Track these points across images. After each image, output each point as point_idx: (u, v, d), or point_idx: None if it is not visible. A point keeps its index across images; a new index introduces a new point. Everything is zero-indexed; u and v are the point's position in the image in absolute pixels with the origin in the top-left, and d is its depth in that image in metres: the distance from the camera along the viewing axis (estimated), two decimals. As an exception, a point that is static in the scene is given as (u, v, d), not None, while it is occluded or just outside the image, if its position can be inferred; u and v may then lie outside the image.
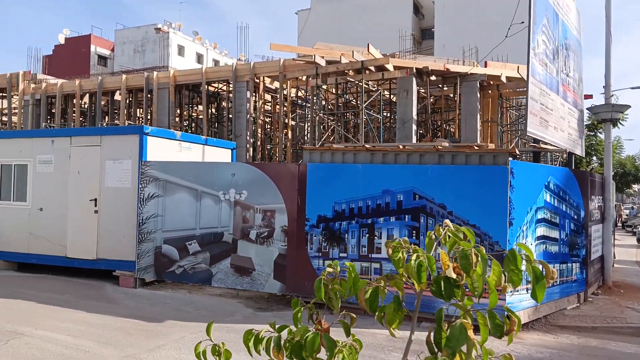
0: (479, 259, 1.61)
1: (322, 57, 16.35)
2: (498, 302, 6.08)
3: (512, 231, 7.54)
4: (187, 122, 22.63)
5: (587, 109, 12.04)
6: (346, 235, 8.30)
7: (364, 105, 15.17)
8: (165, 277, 9.64)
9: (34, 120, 24.55)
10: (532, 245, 8.03)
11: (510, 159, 7.63)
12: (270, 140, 21.86)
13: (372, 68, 15.82)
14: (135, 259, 9.78)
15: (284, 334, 1.88)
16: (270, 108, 22.38)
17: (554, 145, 9.99)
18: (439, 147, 7.62)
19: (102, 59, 53.29)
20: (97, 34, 53.80)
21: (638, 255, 18.69)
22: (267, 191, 8.91)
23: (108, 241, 10.31)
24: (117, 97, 23.73)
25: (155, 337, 6.76)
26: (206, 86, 20.36)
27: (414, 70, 15.94)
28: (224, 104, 22.71)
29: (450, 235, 1.72)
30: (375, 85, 17.00)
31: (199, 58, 51.84)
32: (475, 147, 7.63)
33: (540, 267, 1.65)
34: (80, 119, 24.22)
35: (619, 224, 34.75)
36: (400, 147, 7.98)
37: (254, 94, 19.45)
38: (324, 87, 17.27)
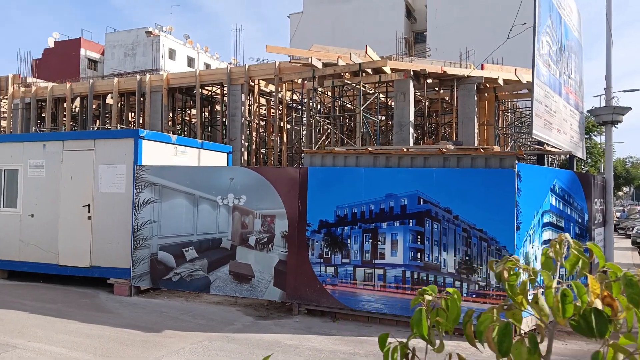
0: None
1: (319, 59, 16.17)
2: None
3: (520, 235, 7.37)
4: (180, 126, 22.34)
5: (587, 111, 11.95)
6: (349, 240, 8.10)
7: (362, 108, 14.99)
8: (162, 285, 9.38)
9: (24, 124, 24.13)
10: (539, 249, 7.87)
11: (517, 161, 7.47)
12: (265, 144, 21.62)
13: (369, 70, 15.65)
14: (130, 266, 9.50)
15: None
16: (265, 111, 22.15)
17: (557, 148, 9.86)
18: (444, 149, 7.43)
19: (93, 63, 52.82)
20: (87, 38, 53.34)
21: (634, 258, 18.65)
22: (266, 196, 8.69)
23: (102, 248, 10.02)
24: (109, 100, 23.39)
25: (153, 348, 6.50)
26: (200, 89, 20.10)
27: (411, 73, 15.80)
28: (217, 107, 22.44)
29: (575, 251, 1.43)
30: (372, 88, 16.84)
31: (190, 62, 51.55)
32: (481, 150, 7.45)
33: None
34: (71, 123, 23.84)
35: (611, 227, 34.73)
36: (404, 150, 7.79)
37: (248, 97, 19.21)
38: (320, 90, 17.07)
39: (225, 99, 19.94)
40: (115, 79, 22.45)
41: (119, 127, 19.10)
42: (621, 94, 22.35)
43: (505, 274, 1.48)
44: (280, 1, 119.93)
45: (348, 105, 19.58)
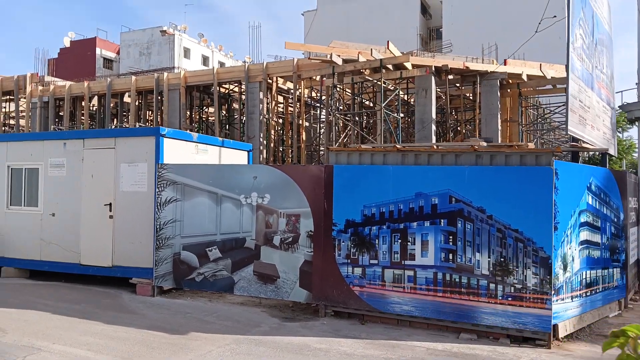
0: None
1: (339, 56, 15.93)
2: (543, 312, 5.54)
3: (557, 236, 7.10)
4: (197, 124, 22.24)
5: (618, 106, 11.59)
6: (377, 241, 7.86)
7: (383, 105, 14.73)
8: (185, 285, 9.22)
9: (42, 123, 24.22)
10: (576, 250, 7.58)
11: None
12: (282, 142, 21.45)
13: (390, 67, 15.38)
14: (152, 266, 9.36)
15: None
16: (282, 109, 21.98)
17: (591, 145, 9.55)
18: (476, 146, 7.17)
19: (108, 62, 53.11)
20: (102, 37, 53.63)
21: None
22: (291, 195, 8.48)
23: (124, 247, 9.90)
24: (127, 99, 23.37)
25: (180, 351, 6.34)
26: (217, 87, 19.96)
27: (433, 68, 15.50)
28: (235, 105, 22.32)
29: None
30: (393, 85, 16.56)
31: (205, 60, 51.62)
32: (516, 147, 7.18)
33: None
34: (89, 121, 23.87)
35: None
36: (434, 147, 7.54)
37: (266, 95, 19.03)
38: (339, 87, 16.84)
39: (243, 97, 19.80)
40: (133, 78, 22.43)
41: (137, 126, 19.04)
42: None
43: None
44: (293, 0, 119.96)
45: (367, 102, 19.32)
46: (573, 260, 7.54)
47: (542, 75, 17.22)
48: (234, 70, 20.23)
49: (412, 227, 7.64)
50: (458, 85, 17.90)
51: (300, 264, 8.36)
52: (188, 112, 21.36)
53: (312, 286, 8.24)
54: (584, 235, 7.82)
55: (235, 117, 21.96)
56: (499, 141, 15.61)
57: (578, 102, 8.37)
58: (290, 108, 20.84)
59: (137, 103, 22.74)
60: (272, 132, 19.60)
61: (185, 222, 9.19)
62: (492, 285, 7.22)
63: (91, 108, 24.79)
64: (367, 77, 15.88)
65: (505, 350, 6.72)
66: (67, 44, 53.29)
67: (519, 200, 7.11)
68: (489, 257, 7.24)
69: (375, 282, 7.84)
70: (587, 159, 19.06)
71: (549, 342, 6.90)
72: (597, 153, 12.07)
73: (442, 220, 7.47)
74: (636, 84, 10.56)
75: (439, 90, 16.64)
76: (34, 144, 11.12)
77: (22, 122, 25.36)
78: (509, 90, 17.83)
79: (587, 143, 9.22)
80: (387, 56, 15.74)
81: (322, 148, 20.50)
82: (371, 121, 18.73)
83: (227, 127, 22.03)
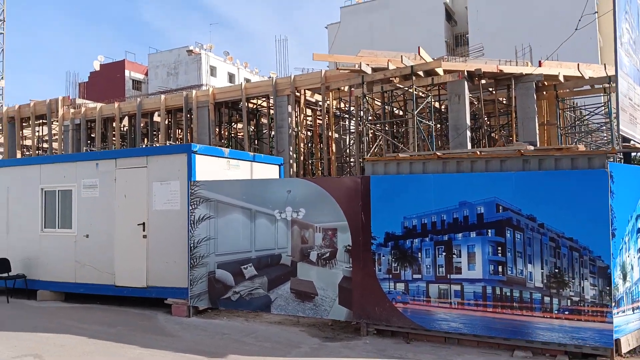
0: None
1: (368, 65, 15.66)
2: (604, 326, 5.05)
3: (615, 243, 6.60)
4: (226, 140, 22.22)
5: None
6: (419, 254, 7.48)
7: (416, 112, 14.36)
8: (221, 305, 8.97)
9: (74, 145, 24.57)
10: (635, 258, 7.06)
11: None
12: (312, 155, 21.22)
13: (421, 73, 15.02)
14: (187, 285, 9.16)
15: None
16: (311, 122, 21.77)
17: (643, 145, 9.01)
18: (523, 150, 6.76)
19: (137, 83, 54.09)
20: (130, 59, 54.69)
21: None
22: (326, 208, 8.18)
23: (158, 267, 9.74)
24: (156, 118, 23.54)
25: (219, 376, 6.06)
26: (246, 102, 19.90)
27: (465, 73, 15.08)
28: (263, 120, 22.24)
29: None
30: (424, 92, 16.18)
31: (231, 78, 52.09)
32: (566, 150, 6.74)
33: None
34: (121, 142, 24.12)
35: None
36: (478, 153, 7.15)
37: (295, 108, 18.87)
38: (368, 96, 16.54)
39: (271, 111, 19.69)
40: (162, 97, 22.59)
41: (167, 144, 19.10)
42: None
43: None
44: (315, 14, 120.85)
45: (396, 111, 18.96)
46: (632, 268, 7.02)
47: (580, 75, 16.61)
48: (261, 85, 20.17)
49: (457, 239, 7.24)
50: (491, 89, 17.41)
51: (339, 280, 8.03)
52: (217, 129, 21.36)
53: (352, 303, 7.89)
54: (643, 241, 7.28)
55: (264, 131, 21.87)
56: (538, 145, 15.05)
57: (628, 100, 7.89)
58: (318, 120, 20.63)
59: (166, 122, 22.88)
60: (302, 145, 19.39)
61: (220, 240, 8.97)
62: (546, 299, 6.76)
63: (122, 128, 25.07)
64: (397, 85, 15.54)
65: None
66: (97, 67, 54.54)
67: (572, 207, 6.66)
68: (542, 269, 6.79)
69: (419, 298, 7.45)
70: (637, 160, 18.26)
71: (612, 358, 6.39)
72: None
73: (489, 231, 7.06)
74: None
75: (471, 95, 16.19)
76: (66, 166, 11.13)
77: (55, 144, 25.80)
78: (544, 92, 17.26)
79: (639, 143, 8.69)
80: (417, 62, 15.40)
81: (352, 159, 20.19)
82: (402, 130, 18.35)
83: (256, 142, 21.94)
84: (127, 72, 53.22)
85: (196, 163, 9.53)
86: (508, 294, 6.93)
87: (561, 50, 19.16)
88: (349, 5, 48.34)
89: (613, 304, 6.51)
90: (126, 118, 24.71)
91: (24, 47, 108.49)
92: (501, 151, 7.31)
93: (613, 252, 6.54)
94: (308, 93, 19.43)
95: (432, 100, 16.33)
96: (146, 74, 53.90)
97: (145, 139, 24.66)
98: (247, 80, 51.59)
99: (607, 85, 16.38)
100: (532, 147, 7.30)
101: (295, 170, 18.56)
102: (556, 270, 6.72)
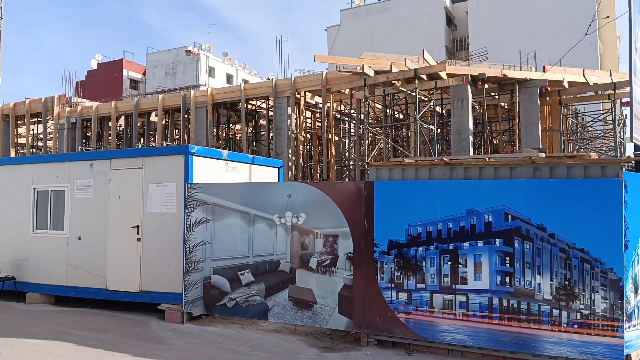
0: None
1: (370, 67, 15.40)
2: (614, 340, 4.77)
3: (628, 255, 6.36)
4: (224, 141, 21.93)
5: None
6: (423, 263, 7.21)
7: (419, 116, 14.09)
8: (216, 311, 8.68)
9: (70, 144, 24.25)
10: (647, 271, 6.80)
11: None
12: (310, 158, 20.95)
13: (424, 77, 14.77)
14: (182, 291, 8.87)
15: None
16: (310, 124, 21.50)
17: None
18: (534, 158, 6.51)
19: (135, 83, 53.78)
20: (128, 59, 54.37)
21: None
22: (328, 214, 7.91)
23: (152, 272, 9.44)
24: (153, 118, 23.24)
25: (214, 389, 5.77)
26: (245, 104, 19.62)
27: (469, 77, 14.84)
28: (262, 121, 21.97)
29: None
30: (427, 96, 15.94)
31: (229, 78, 51.85)
32: (578, 158, 6.50)
33: None
34: (117, 141, 23.80)
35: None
36: (486, 159, 6.89)
37: (294, 110, 18.59)
38: (370, 99, 16.27)
39: (270, 113, 19.42)
40: (160, 96, 22.30)
41: (164, 145, 18.81)
42: None
43: None
44: (314, 17, 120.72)
45: (397, 114, 18.71)
46: (645, 282, 6.77)
47: (585, 81, 16.42)
48: (261, 86, 19.88)
49: (463, 248, 6.98)
50: (494, 94, 17.17)
51: (339, 288, 7.75)
52: (215, 130, 21.07)
53: (353, 313, 7.61)
54: (656, 254, 7.03)
55: (263, 133, 21.59)
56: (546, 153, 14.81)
57: (640, 108, 7.64)
58: (318, 123, 20.36)
59: (164, 122, 22.57)
60: (301, 147, 19.11)
61: (216, 245, 8.69)
62: (555, 312, 6.50)
63: (118, 128, 24.76)
64: (400, 88, 15.28)
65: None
66: (95, 66, 54.18)
67: (584, 217, 6.41)
68: (551, 280, 6.53)
69: (422, 308, 7.18)
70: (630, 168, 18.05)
71: (623, 375, 6.13)
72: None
73: (497, 240, 6.80)
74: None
75: (473, 100, 15.95)
76: (60, 166, 10.82)
77: (49, 143, 25.45)
78: (547, 98, 17.04)
79: (651, 152, 8.48)
80: (421, 66, 15.14)
81: (351, 163, 19.93)
82: (403, 134, 18.10)
83: (255, 144, 21.66)
84: (124, 72, 52.91)
85: (194, 165, 9.24)
86: (515, 305, 6.67)
87: (561, 56, 18.99)
88: (349, 8, 48.14)
89: (624, 318, 6.27)
90: (123, 117, 24.41)
91: (21, 46, 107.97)
92: (511, 158, 7.06)
93: (625, 265, 6.30)
94: (308, 95, 19.17)
95: (435, 104, 16.08)
96: (144, 74, 53.59)
97: (142, 139, 24.36)
98: (246, 82, 51.37)
99: (611, 91, 16.20)
100: (543, 154, 7.06)
101: (293, 173, 18.28)
102: (566, 282, 6.47)
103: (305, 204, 8.10)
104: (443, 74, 14.77)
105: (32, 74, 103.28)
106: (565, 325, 6.44)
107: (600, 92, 17.23)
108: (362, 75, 15.33)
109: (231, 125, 22.72)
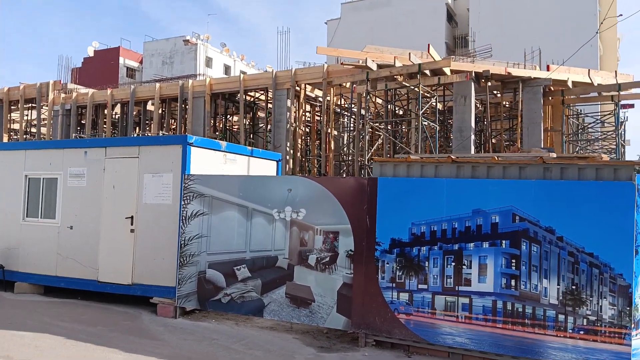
0: None
1: (373, 61, 15.12)
2: (621, 348, 4.55)
3: (638, 261, 6.16)
4: (221, 132, 21.62)
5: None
6: (426, 263, 7.00)
7: (421, 112, 13.84)
8: (210, 307, 8.44)
9: (64, 131, 23.87)
10: (657, 277, 6.61)
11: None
12: (308, 152, 20.68)
13: (428, 72, 14.52)
14: (175, 285, 8.63)
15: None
16: (310, 118, 21.23)
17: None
18: (545, 158, 6.29)
19: (131, 71, 53.23)
20: (126, 47, 53.78)
21: None
22: (329, 209, 7.68)
23: (145, 264, 9.19)
24: (150, 107, 22.90)
25: (208, 390, 5.54)
26: (244, 95, 19.30)
27: (473, 74, 14.60)
28: (260, 113, 21.67)
29: None
30: (429, 92, 15.69)
31: (227, 69, 51.43)
32: (591, 159, 6.29)
33: None
34: (112, 129, 23.44)
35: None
36: (495, 158, 6.67)
37: (294, 103, 18.31)
38: (371, 94, 16.00)
39: (269, 105, 19.13)
40: (157, 85, 21.95)
41: (160, 134, 18.48)
42: None
43: None
44: (315, 10, 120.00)
45: (397, 110, 18.46)
46: (654, 289, 6.59)
47: (589, 82, 16.22)
48: (261, 78, 19.57)
49: (468, 249, 6.77)
50: (496, 92, 16.95)
51: (339, 287, 7.53)
52: (212, 120, 20.76)
53: (352, 312, 7.40)
54: (666, 260, 6.84)
55: (261, 125, 21.29)
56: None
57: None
58: (317, 116, 20.09)
59: (160, 111, 22.22)
60: (299, 141, 18.84)
61: (212, 238, 8.45)
62: (561, 317, 6.32)
63: (114, 116, 24.39)
64: (403, 83, 15.01)
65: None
66: (91, 54, 53.54)
67: (594, 220, 6.21)
68: (558, 285, 6.34)
69: (423, 309, 6.97)
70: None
71: (629, 383, 5.96)
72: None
73: (503, 242, 6.59)
74: None
75: (475, 97, 15.72)
76: (53, 152, 10.52)
77: (43, 130, 25.06)
78: (550, 97, 16.84)
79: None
80: (425, 61, 14.88)
81: (350, 158, 19.69)
82: (404, 130, 17.85)
83: (252, 136, 21.37)
84: (121, 60, 52.34)
85: (191, 156, 8.98)
86: (520, 309, 6.48)
87: (562, 56, 18.78)
88: (350, 1, 47.76)
89: (632, 326, 6.09)
90: (118, 105, 24.04)
91: (18, 33, 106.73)
92: (520, 157, 6.84)
93: (635, 271, 6.12)
94: (308, 88, 18.88)
95: (437, 101, 15.85)
96: (141, 62, 53.03)
97: (137, 128, 24.01)
98: (243, 73, 51.01)
99: (615, 93, 16.01)
100: (554, 154, 6.84)
101: (291, 166, 18.03)
102: (573, 287, 6.28)
103: (305, 199, 7.87)
104: (447, 70, 14.53)
105: (28, 61, 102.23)
106: (570, 331, 6.26)
107: (603, 93, 17.05)
108: (365, 69, 15.04)
109: (229, 116, 22.41)
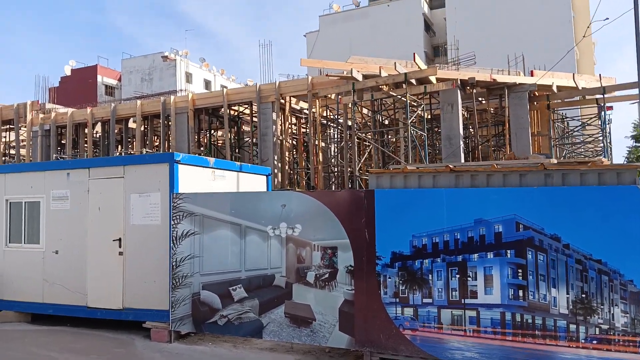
0: None
1: (359, 71, 15.02)
2: (636, 357, 4.34)
3: (647, 266, 6.04)
4: (206, 148, 21.31)
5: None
6: (430, 276, 6.81)
7: (410, 121, 13.75)
8: (206, 329, 8.13)
9: (44, 152, 23.32)
10: (665, 282, 6.51)
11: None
12: (296, 165, 20.47)
13: (414, 81, 14.46)
14: (168, 308, 8.31)
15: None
16: (296, 130, 21.04)
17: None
18: (546, 164, 6.17)
19: (110, 89, 52.65)
20: (103, 64, 53.20)
21: None
22: (326, 224, 7.45)
23: (136, 288, 8.86)
24: (132, 124, 22.50)
25: (212, 421, 5.25)
26: (227, 109, 19.06)
27: (459, 82, 14.59)
28: (245, 127, 21.41)
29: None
30: (415, 100, 15.64)
31: (207, 84, 51.16)
32: (592, 164, 6.19)
33: None
34: (93, 149, 22.97)
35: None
36: (494, 166, 6.53)
37: (280, 116, 18.10)
38: (358, 104, 15.87)
39: (254, 119, 18.90)
40: (138, 102, 21.58)
41: (144, 152, 18.13)
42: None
43: None
44: (290, 24, 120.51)
45: (383, 120, 18.38)
46: (664, 293, 6.48)
47: (574, 86, 16.34)
48: (244, 91, 19.35)
49: (472, 260, 6.60)
50: (481, 99, 16.98)
51: (340, 304, 7.29)
52: (196, 136, 20.45)
53: (355, 330, 7.16)
54: (672, 263, 6.75)
55: (246, 139, 21.03)
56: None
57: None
58: (303, 128, 19.90)
59: (142, 128, 21.85)
60: (286, 154, 18.62)
61: (205, 258, 8.16)
62: (572, 327, 6.15)
63: (95, 135, 23.91)
64: (390, 92, 14.93)
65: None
66: (68, 72, 52.86)
67: (600, 226, 6.09)
68: (567, 294, 6.19)
69: (429, 324, 6.76)
70: None
71: (644, 393, 5.81)
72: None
73: (508, 251, 6.43)
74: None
75: (462, 105, 15.70)
76: (34, 175, 10.16)
77: (22, 151, 24.46)
78: (535, 103, 16.92)
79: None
80: (411, 70, 14.83)
81: (338, 169, 19.52)
82: (391, 139, 17.74)
83: (237, 150, 21.09)
84: (99, 78, 51.76)
85: (179, 173, 8.71)
86: (530, 321, 6.31)
87: (541, 62, 18.94)
88: (327, 14, 47.96)
89: (645, 333, 5.96)
90: (99, 124, 23.58)
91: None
92: (520, 164, 6.72)
93: (645, 276, 5.99)
94: (293, 100, 18.71)
95: (424, 109, 15.79)
96: (119, 80, 52.49)
97: (120, 147, 23.56)
98: (224, 87, 50.74)
99: (600, 96, 16.16)
100: (554, 160, 6.73)
101: (279, 180, 17.78)
102: (583, 296, 6.13)
103: (301, 215, 7.64)
104: (433, 79, 14.50)
105: (4, 82, 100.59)
106: (583, 340, 6.10)
107: (587, 97, 17.20)
108: (350, 80, 14.94)
109: (213, 131, 22.12)
